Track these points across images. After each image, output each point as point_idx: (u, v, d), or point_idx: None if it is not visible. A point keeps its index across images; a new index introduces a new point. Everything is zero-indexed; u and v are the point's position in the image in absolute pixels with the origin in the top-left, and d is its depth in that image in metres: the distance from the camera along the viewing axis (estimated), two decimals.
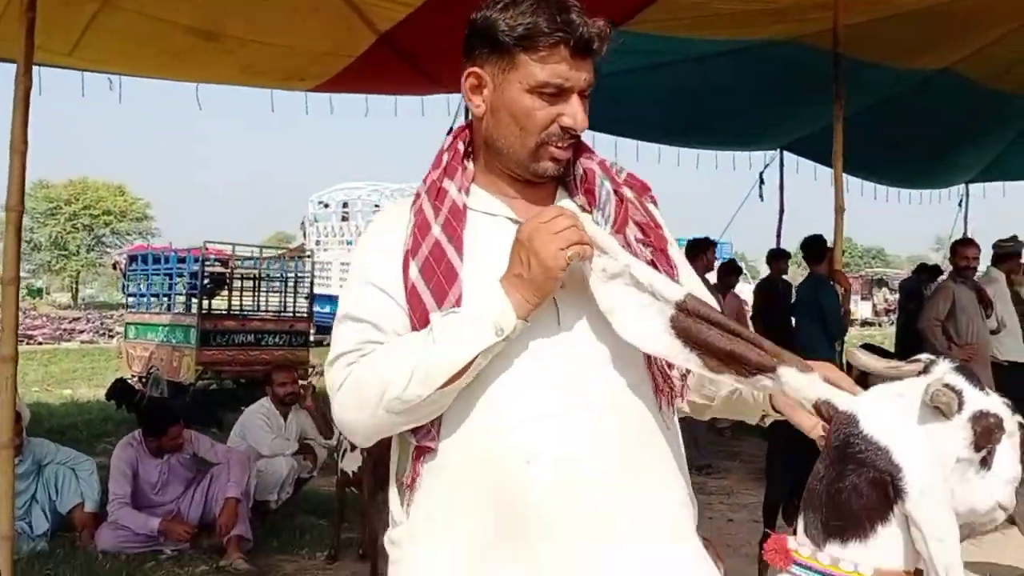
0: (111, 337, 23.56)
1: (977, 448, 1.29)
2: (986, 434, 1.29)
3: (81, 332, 26.05)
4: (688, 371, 1.54)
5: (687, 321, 1.40)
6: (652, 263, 1.56)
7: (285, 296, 12.71)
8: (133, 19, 5.37)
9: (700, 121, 8.79)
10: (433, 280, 1.55)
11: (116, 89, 6.75)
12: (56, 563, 5.24)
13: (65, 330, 26.17)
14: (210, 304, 12.06)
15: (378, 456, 6.12)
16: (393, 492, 1.66)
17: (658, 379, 1.58)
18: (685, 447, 1.69)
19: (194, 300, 12.05)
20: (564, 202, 1.64)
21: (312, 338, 13.60)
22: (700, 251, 7.89)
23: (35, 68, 4.00)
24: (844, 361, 6.21)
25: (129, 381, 11.64)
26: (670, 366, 1.56)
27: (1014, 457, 1.34)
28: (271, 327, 12.01)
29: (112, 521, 5.60)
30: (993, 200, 11.93)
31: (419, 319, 1.55)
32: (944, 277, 7.39)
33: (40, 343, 22.28)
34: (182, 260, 12.71)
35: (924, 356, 1.35)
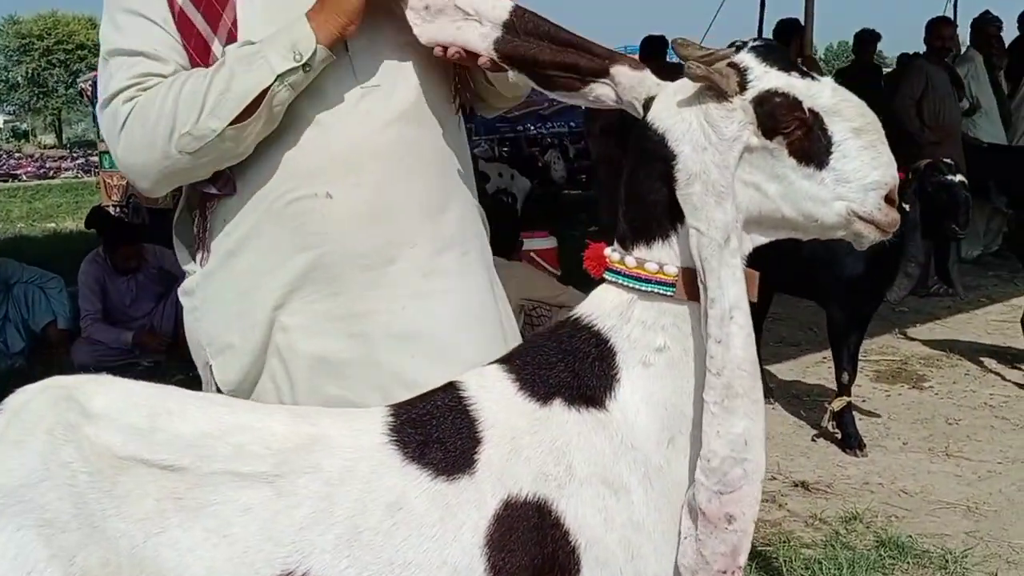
0: (97, 173, 23.30)
1: (766, 133, 1.15)
2: (771, 116, 1.14)
3: (67, 170, 25.79)
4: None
5: (514, 41, 1.30)
6: None
7: None
8: None
9: None
10: (203, 2, 1.43)
11: None
12: (35, 380, 5.36)
13: (50, 168, 25.90)
14: None
15: None
16: (183, 253, 1.58)
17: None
18: None
19: None
20: None
21: None
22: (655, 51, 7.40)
23: None
24: None
25: (108, 209, 11.58)
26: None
27: (867, 157, 1.16)
28: None
29: (86, 337, 5.69)
30: None
31: (196, 50, 1.43)
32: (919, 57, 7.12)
33: (23, 180, 22.10)
34: None
35: (740, 40, 1.19)
